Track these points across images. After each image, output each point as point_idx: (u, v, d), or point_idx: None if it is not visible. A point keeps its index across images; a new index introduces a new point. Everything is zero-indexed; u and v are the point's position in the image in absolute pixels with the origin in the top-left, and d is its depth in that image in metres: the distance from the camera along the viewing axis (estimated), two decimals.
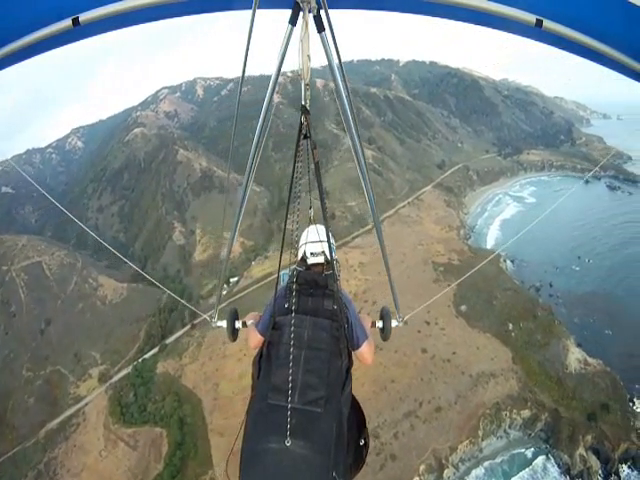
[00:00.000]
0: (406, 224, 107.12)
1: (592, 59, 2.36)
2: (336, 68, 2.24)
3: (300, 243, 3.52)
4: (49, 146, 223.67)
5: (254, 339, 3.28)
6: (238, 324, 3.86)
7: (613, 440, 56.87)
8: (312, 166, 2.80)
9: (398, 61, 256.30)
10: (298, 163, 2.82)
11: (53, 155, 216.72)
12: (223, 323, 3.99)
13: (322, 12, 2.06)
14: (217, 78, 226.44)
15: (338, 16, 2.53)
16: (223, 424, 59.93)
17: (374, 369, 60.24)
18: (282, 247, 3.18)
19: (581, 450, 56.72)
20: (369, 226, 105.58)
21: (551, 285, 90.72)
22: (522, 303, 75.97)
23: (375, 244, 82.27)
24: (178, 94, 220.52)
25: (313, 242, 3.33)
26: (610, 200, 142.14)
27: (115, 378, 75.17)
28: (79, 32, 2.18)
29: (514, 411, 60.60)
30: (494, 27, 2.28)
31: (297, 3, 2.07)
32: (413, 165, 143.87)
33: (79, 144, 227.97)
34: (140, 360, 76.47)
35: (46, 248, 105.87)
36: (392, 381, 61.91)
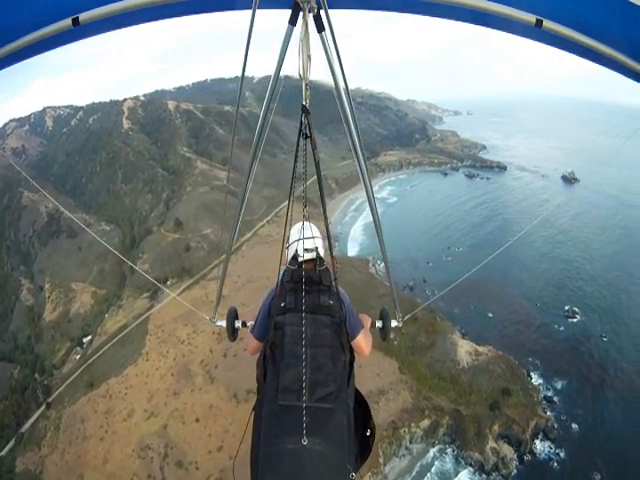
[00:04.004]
0: (267, 244, 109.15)
1: (592, 59, 2.58)
2: (336, 68, 2.50)
3: (291, 240, 3.73)
4: None
5: (252, 345, 3.52)
6: (238, 324, 4.09)
7: (521, 421, 62.35)
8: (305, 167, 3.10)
9: (253, 77, 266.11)
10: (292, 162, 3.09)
11: None
12: (223, 323, 4.20)
13: (322, 12, 2.29)
14: (67, 106, 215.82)
15: (338, 16, 2.88)
16: None
17: (248, 414, 59.18)
18: (282, 247, 3.57)
19: (491, 443, 60.49)
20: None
21: (425, 281, 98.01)
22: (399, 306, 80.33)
23: (232, 274, 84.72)
24: (27, 127, 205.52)
25: (307, 238, 3.54)
26: (468, 187, 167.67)
27: None
28: (79, 32, 2.28)
29: (412, 424, 61.97)
30: (494, 27, 2.56)
31: (297, 3, 2.26)
32: (270, 181, 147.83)
33: None
34: None
35: None
36: None
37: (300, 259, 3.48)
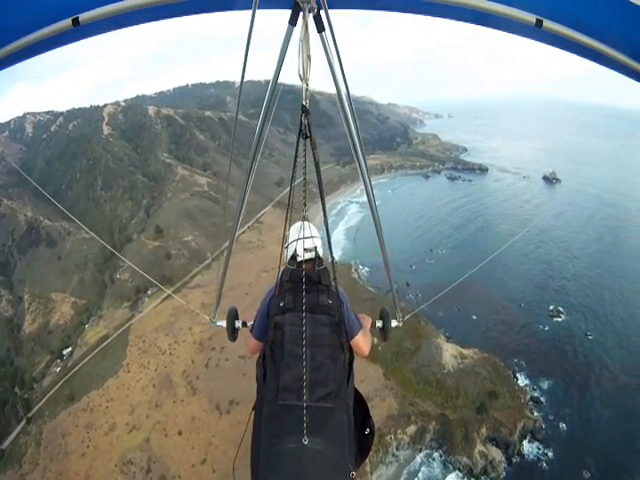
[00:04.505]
0: (248, 251, 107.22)
1: (592, 59, 2.62)
2: (337, 68, 2.54)
3: (290, 240, 3.77)
4: None
5: (251, 345, 3.56)
6: (238, 324, 4.18)
7: (509, 423, 62.56)
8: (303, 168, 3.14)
9: (234, 82, 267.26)
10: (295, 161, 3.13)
11: None
12: (223, 323, 4.25)
13: (322, 12, 2.31)
14: (48, 112, 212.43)
15: (337, 17, 2.90)
16: None
17: (231, 426, 59.63)
18: (282, 249, 3.65)
19: (479, 446, 60.47)
20: (208, 260, 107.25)
21: (408, 284, 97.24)
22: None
23: (213, 282, 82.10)
24: (6, 133, 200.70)
25: (307, 238, 3.60)
26: (450, 190, 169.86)
27: None
28: (79, 32, 2.29)
29: (398, 431, 61.71)
30: (494, 27, 2.58)
31: (297, 3, 2.28)
32: (251, 186, 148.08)
33: None
34: None
35: None
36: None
37: (299, 259, 3.55)
